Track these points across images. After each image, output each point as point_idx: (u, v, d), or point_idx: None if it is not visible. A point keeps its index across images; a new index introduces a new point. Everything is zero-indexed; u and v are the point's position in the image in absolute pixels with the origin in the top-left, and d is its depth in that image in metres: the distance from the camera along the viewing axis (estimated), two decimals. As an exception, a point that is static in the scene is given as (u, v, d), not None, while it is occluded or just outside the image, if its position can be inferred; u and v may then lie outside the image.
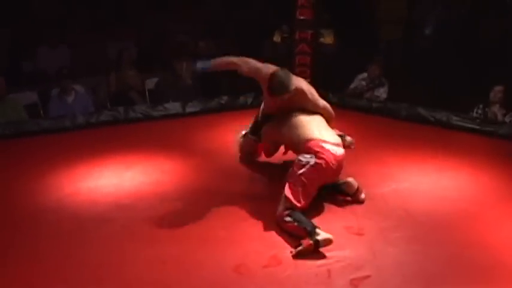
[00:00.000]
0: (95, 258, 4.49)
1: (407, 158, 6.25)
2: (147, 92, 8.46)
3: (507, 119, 7.24)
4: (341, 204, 5.24)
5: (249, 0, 10.25)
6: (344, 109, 7.57)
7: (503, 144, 6.73)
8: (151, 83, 8.49)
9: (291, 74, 5.37)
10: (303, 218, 4.76)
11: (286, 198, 4.89)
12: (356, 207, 5.18)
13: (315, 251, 4.50)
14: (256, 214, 5.05)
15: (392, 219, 4.99)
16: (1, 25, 8.94)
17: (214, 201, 5.24)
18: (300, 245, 4.54)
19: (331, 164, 5.04)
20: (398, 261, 4.45)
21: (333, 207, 5.18)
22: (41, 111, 7.78)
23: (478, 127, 7.06)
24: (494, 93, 7.37)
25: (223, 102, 7.80)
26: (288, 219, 4.79)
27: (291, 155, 5.64)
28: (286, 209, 4.84)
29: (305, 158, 5.02)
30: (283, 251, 4.55)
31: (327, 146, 5.07)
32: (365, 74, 8.27)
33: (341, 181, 5.33)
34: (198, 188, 5.55)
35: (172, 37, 9.81)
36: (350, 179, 5.32)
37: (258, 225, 4.90)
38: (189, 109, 7.61)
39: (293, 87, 5.26)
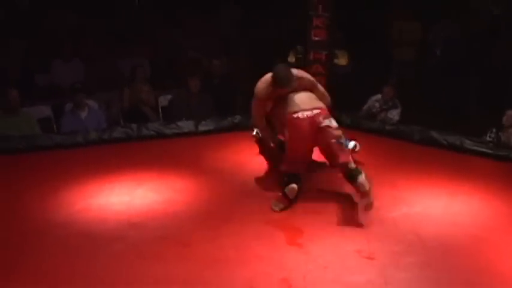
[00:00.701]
0: (102, 276, 4.48)
1: (419, 181, 6.23)
2: (160, 109, 8.48)
3: (520, 144, 7.20)
4: (352, 227, 5.20)
5: (264, 19, 10.29)
6: (357, 131, 7.57)
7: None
8: (164, 100, 8.51)
9: (289, 67, 5.98)
10: (292, 179, 5.61)
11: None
12: (368, 231, 5.14)
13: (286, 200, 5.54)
14: (267, 234, 5.04)
15: (404, 243, 4.95)
16: (17, 37, 9.00)
17: (225, 221, 5.24)
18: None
19: (301, 125, 5.63)
20: (409, 287, 4.42)
21: (345, 230, 5.15)
22: (54, 126, 7.80)
23: (491, 151, 7.01)
24: (507, 117, 7.34)
25: (236, 121, 7.79)
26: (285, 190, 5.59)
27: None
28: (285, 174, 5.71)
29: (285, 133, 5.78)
30: (293, 274, 4.52)
31: (295, 115, 5.66)
32: (379, 96, 8.26)
33: (358, 177, 5.49)
34: (210, 208, 5.55)
35: (186, 54, 9.85)
36: (364, 182, 5.46)
37: (269, 246, 4.89)
38: (202, 128, 7.61)
39: (295, 77, 5.84)
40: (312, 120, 5.65)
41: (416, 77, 9.91)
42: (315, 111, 5.69)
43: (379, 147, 7.25)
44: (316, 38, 7.95)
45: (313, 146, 5.89)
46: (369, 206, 5.39)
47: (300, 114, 5.67)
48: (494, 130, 7.39)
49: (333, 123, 5.75)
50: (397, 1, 10.18)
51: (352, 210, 5.50)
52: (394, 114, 8.13)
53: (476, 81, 8.99)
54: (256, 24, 10.34)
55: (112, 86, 8.61)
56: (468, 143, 7.14)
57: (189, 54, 9.87)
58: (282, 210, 5.53)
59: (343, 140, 5.85)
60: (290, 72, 5.83)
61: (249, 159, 6.49)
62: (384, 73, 9.38)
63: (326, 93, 6.26)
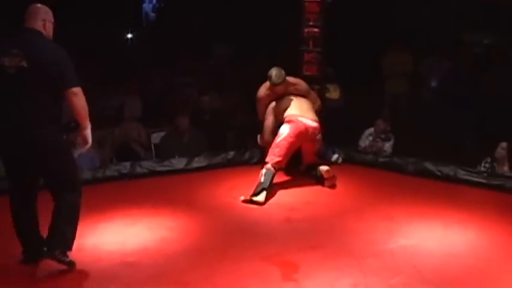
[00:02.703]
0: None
1: (414, 213, 6.23)
2: (152, 147, 8.47)
3: (514, 173, 7.21)
4: (348, 261, 5.17)
5: (255, 55, 10.35)
6: (350, 164, 7.61)
7: (511, 198, 6.69)
8: (157, 137, 8.51)
9: (283, 70, 7.13)
10: (268, 178, 6.52)
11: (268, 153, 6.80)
12: (364, 264, 5.11)
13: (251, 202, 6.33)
14: (262, 271, 5.00)
15: (401, 276, 4.91)
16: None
17: (219, 259, 5.20)
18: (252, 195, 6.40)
19: (301, 127, 6.86)
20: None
21: (341, 264, 5.12)
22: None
23: (485, 181, 7.04)
24: (499, 150, 7.36)
25: (229, 157, 7.80)
26: (263, 171, 6.58)
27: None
28: (268, 162, 6.67)
29: (282, 129, 6.90)
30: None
31: (300, 118, 6.92)
32: (372, 129, 8.28)
33: (321, 166, 6.99)
34: (204, 245, 5.51)
35: (177, 91, 9.88)
36: (328, 168, 7.01)
37: (265, 283, 4.84)
38: (194, 164, 7.61)
39: (285, 77, 7.11)
40: (312, 130, 6.94)
41: (410, 108, 9.95)
42: (315, 125, 6.98)
43: (373, 180, 7.30)
44: (308, 73, 8.00)
45: (297, 148, 6.99)
46: (333, 185, 6.94)
47: (304, 120, 6.91)
48: (488, 160, 7.40)
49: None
50: (388, 34, 10.25)
51: (348, 243, 5.48)
52: (388, 147, 8.15)
53: (470, 112, 9.02)
54: (247, 61, 10.39)
55: (103, 124, 8.60)
56: (462, 174, 7.18)
57: (179, 91, 9.90)
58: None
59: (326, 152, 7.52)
60: (281, 72, 7.11)
61: (241, 194, 6.48)
62: (376, 106, 9.42)
63: (318, 99, 7.56)
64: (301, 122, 6.93)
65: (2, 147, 4.83)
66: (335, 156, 7.73)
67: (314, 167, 7.18)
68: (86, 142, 4.97)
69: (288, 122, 6.97)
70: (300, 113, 7.00)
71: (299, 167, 7.34)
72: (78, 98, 4.78)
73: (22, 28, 4.83)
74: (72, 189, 4.99)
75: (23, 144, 4.74)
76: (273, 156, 6.75)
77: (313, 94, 7.49)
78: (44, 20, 4.84)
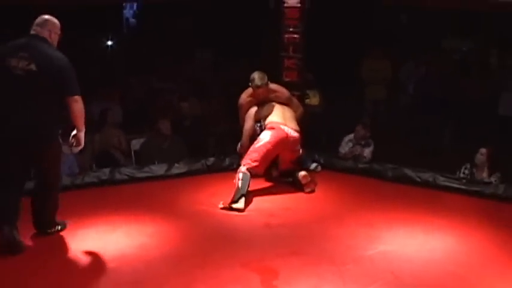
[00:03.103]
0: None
1: (394, 219, 6.24)
2: (132, 153, 8.44)
3: (493, 179, 7.24)
4: (328, 267, 5.17)
5: (237, 60, 10.36)
6: (330, 170, 7.62)
7: (490, 204, 6.76)
8: (137, 143, 8.47)
9: (265, 74, 7.11)
10: (245, 183, 6.46)
11: (244, 157, 6.76)
12: (343, 271, 5.11)
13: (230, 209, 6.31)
14: (242, 278, 4.98)
15: (380, 282, 4.92)
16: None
17: (199, 265, 5.18)
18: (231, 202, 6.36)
19: (282, 135, 6.81)
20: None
21: (321, 270, 5.11)
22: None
23: (464, 187, 7.08)
24: (478, 156, 7.40)
25: (209, 163, 7.77)
26: (239, 175, 6.52)
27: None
28: (244, 165, 6.62)
29: (262, 135, 6.86)
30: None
31: (282, 126, 6.87)
32: (351, 135, 8.30)
33: (299, 172, 7.01)
34: (183, 252, 5.49)
35: (157, 97, 9.86)
36: (305, 173, 7.04)
37: (244, 290, 4.83)
38: (174, 171, 7.58)
39: (267, 81, 7.08)
40: (293, 140, 6.93)
41: (389, 114, 9.99)
42: (296, 135, 6.96)
43: (353, 186, 7.31)
44: (288, 79, 8.01)
45: (275, 156, 7.00)
46: (312, 190, 6.99)
47: (286, 129, 6.88)
48: (467, 166, 7.44)
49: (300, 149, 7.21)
50: (366, 39, 10.30)
51: (328, 249, 5.49)
52: (367, 153, 8.16)
53: (449, 118, 9.09)
54: (229, 66, 10.40)
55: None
56: (441, 180, 7.20)
57: (160, 97, 9.88)
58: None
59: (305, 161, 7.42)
60: (264, 75, 7.10)
61: (221, 200, 6.46)
62: (356, 112, 9.45)
63: (300, 106, 7.52)
64: (282, 130, 6.88)
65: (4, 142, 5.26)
66: (314, 165, 7.67)
67: (290, 173, 7.19)
68: (79, 144, 5.50)
69: (270, 128, 6.92)
70: (282, 121, 6.96)
71: (271, 173, 7.34)
72: (78, 104, 5.31)
73: (30, 35, 5.32)
74: (58, 185, 5.68)
75: (26, 142, 5.24)
76: (250, 160, 6.70)
77: (295, 101, 7.45)
78: (49, 31, 5.34)
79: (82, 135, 5.46)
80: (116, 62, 11.50)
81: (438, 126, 9.04)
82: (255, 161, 6.69)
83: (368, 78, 9.98)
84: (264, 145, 6.77)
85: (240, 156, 7.12)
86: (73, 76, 5.32)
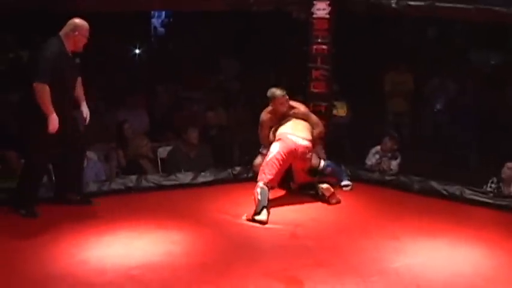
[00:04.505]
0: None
1: (420, 232, 6.20)
2: (159, 161, 8.47)
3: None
4: (353, 279, 5.15)
5: (263, 71, 10.37)
6: (356, 182, 7.59)
7: (518, 219, 6.68)
8: (164, 151, 8.51)
9: (282, 90, 7.14)
10: (265, 196, 6.45)
11: (259, 173, 6.76)
12: (369, 283, 5.09)
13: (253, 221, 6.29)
14: None
15: (406, 295, 4.91)
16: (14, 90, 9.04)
17: (223, 274, 5.19)
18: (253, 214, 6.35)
19: (290, 145, 6.79)
20: None
21: (346, 282, 5.09)
22: (53, 177, 7.76)
23: (491, 201, 7.01)
24: (505, 170, 7.34)
25: (235, 172, 7.79)
26: (257, 190, 6.49)
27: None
28: (260, 181, 6.60)
29: (272, 148, 6.86)
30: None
31: (290, 136, 6.86)
32: (378, 147, 8.27)
33: (320, 185, 7.01)
34: (208, 260, 5.50)
35: (184, 106, 9.90)
36: (327, 185, 7.00)
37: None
38: (201, 179, 7.60)
39: (283, 93, 7.11)
40: (302, 149, 6.86)
41: (413, 127, 9.94)
42: (306, 143, 6.90)
43: (379, 198, 7.27)
44: (316, 90, 8.02)
45: (287, 166, 6.91)
46: (338, 202, 6.99)
47: (293, 138, 6.85)
48: (495, 180, 7.38)
49: (314, 159, 7.23)
50: (390, 54, 10.24)
51: (353, 261, 5.47)
52: (394, 165, 8.13)
53: (477, 132, 9.03)
54: (255, 76, 10.41)
55: (111, 138, 8.61)
56: (468, 193, 7.14)
57: (188, 106, 9.92)
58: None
59: (343, 175, 7.58)
60: (281, 89, 7.13)
61: (248, 211, 6.46)
62: (383, 124, 9.42)
63: (319, 123, 7.33)
64: (290, 140, 6.85)
65: None
66: (345, 182, 7.57)
67: (310, 186, 7.18)
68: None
69: (278, 140, 6.92)
70: (290, 131, 6.94)
71: (290, 186, 7.32)
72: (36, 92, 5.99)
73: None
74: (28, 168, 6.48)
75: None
76: (264, 175, 6.68)
77: (314, 118, 7.31)
78: (66, 30, 6.16)
79: (49, 119, 6.02)
80: (143, 70, 11.54)
81: (466, 140, 8.97)
82: (270, 174, 6.68)
83: (391, 91, 9.93)
84: (274, 157, 6.75)
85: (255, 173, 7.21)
86: (40, 64, 6.01)
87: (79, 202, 6.69)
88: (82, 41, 6.22)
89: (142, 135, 8.72)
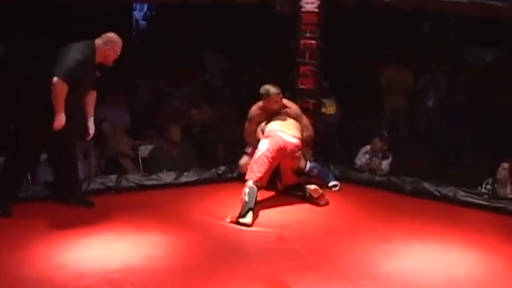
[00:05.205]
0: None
1: (412, 235, 6.21)
2: (140, 160, 8.43)
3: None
4: (342, 283, 5.15)
5: (250, 67, 10.35)
6: (346, 183, 7.59)
7: (514, 221, 6.70)
8: (145, 150, 8.47)
9: (277, 88, 7.12)
10: (252, 197, 6.41)
11: (247, 172, 6.73)
12: (358, 287, 5.10)
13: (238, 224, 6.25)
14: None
15: (397, 300, 4.91)
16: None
17: (207, 278, 5.18)
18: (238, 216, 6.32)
19: (279, 143, 6.76)
20: None
21: (334, 286, 5.12)
22: (29, 177, 7.71)
23: (486, 203, 7.02)
24: (500, 170, 7.36)
25: (220, 172, 7.77)
26: (245, 189, 6.46)
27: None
28: (250, 179, 6.57)
29: (260, 145, 6.85)
30: None
31: (279, 133, 6.85)
32: (368, 147, 8.27)
33: (308, 186, 7.00)
34: (191, 264, 5.48)
35: (167, 102, 9.85)
36: (315, 186, 6.99)
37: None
38: (184, 179, 7.58)
39: (278, 91, 7.09)
40: (292, 146, 6.87)
41: (409, 125, 9.95)
42: (295, 141, 6.90)
43: (369, 200, 7.27)
44: (303, 87, 8.00)
45: (276, 164, 6.88)
46: (326, 203, 6.99)
47: (283, 135, 6.84)
48: (490, 181, 7.40)
49: (302, 161, 7.29)
50: (386, 49, 10.26)
51: (343, 264, 5.47)
52: (385, 165, 8.13)
53: (471, 130, 9.04)
54: (241, 72, 10.39)
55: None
56: (462, 195, 7.15)
57: (170, 103, 9.87)
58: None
59: (329, 177, 7.57)
60: (275, 87, 7.10)
61: (233, 213, 6.44)
62: (373, 122, 9.42)
63: (310, 126, 7.37)
64: (279, 136, 6.85)
65: None
66: (333, 183, 7.58)
67: (298, 187, 7.18)
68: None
69: (266, 137, 6.93)
70: (280, 128, 6.94)
71: (277, 186, 7.31)
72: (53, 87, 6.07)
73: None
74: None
75: None
76: (253, 173, 6.66)
77: (305, 121, 7.34)
78: (99, 42, 6.37)
79: (57, 116, 6.15)
80: (124, 65, 11.48)
81: (459, 138, 8.99)
82: (259, 172, 6.65)
83: (388, 88, 9.91)
84: (263, 154, 6.74)
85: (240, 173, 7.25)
86: (69, 62, 6.09)
87: (76, 204, 6.74)
88: (112, 56, 6.42)
89: (123, 133, 8.67)
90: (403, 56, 10.09)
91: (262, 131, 7.16)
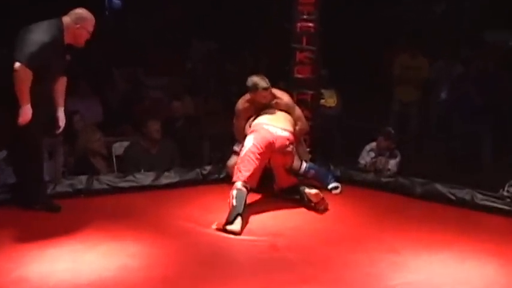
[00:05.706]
0: None
1: (423, 243, 6.19)
2: (114, 159, 8.42)
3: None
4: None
5: (240, 54, 10.36)
6: (348, 184, 7.59)
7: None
8: (120, 147, 8.46)
9: (266, 79, 7.11)
10: (241, 200, 6.36)
11: (234, 172, 6.73)
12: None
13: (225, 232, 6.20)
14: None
15: (406, 318, 4.91)
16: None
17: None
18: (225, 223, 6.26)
19: (266, 137, 6.74)
20: None
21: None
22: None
23: (508, 208, 7.02)
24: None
25: (205, 172, 7.76)
26: (233, 192, 6.42)
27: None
28: (238, 181, 6.53)
29: (245, 141, 6.82)
30: None
31: (265, 126, 6.85)
32: (373, 144, 8.27)
33: (308, 190, 6.92)
34: (171, 278, 5.43)
35: (145, 93, 9.86)
36: (317, 191, 6.89)
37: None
38: (164, 180, 7.58)
39: (267, 85, 7.07)
40: (281, 140, 6.84)
41: (420, 119, 9.96)
42: (285, 134, 6.89)
43: (375, 203, 7.30)
44: (300, 76, 7.98)
45: (266, 161, 6.83)
46: (326, 208, 6.94)
47: (270, 128, 6.85)
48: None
49: (295, 161, 7.21)
50: (393, 32, 10.28)
51: (345, 277, 5.45)
52: (392, 165, 8.14)
53: (491, 126, 9.06)
54: (228, 59, 10.40)
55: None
56: (480, 198, 7.14)
57: (149, 94, 9.88)
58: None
59: (328, 179, 7.56)
60: (264, 78, 7.10)
61: (219, 219, 6.42)
62: (379, 116, 9.43)
63: (303, 118, 7.42)
64: (266, 130, 6.83)
65: None
66: (333, 185, 7.57)
67: (294, 190, 7.16)
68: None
69: (252, 132, 6.93)
70: (267, 122, 6.95)
71: (272, 188, 7.30)
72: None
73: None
74: None
75: None
76: (240, 173, 6.63)
77: (298, 112, 7.36)
78: (68, 20, 6.23)
79: (22, 109, 6.07)
80: (96, 51, 11.47)
81: (477, 135, 9.01)
82: (247, 170, 6.62)
83: (400, 77, 9.91)
84: (249, 151, 6.70)
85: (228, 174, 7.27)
86: (31, 46, 5.97)
87: (41, 208, 6.65)
88: (84, 35, 6.29)
89: (94, 128, 8.67)
90: (416, 41, 10.09)
91: (250, 127, 7.14)
